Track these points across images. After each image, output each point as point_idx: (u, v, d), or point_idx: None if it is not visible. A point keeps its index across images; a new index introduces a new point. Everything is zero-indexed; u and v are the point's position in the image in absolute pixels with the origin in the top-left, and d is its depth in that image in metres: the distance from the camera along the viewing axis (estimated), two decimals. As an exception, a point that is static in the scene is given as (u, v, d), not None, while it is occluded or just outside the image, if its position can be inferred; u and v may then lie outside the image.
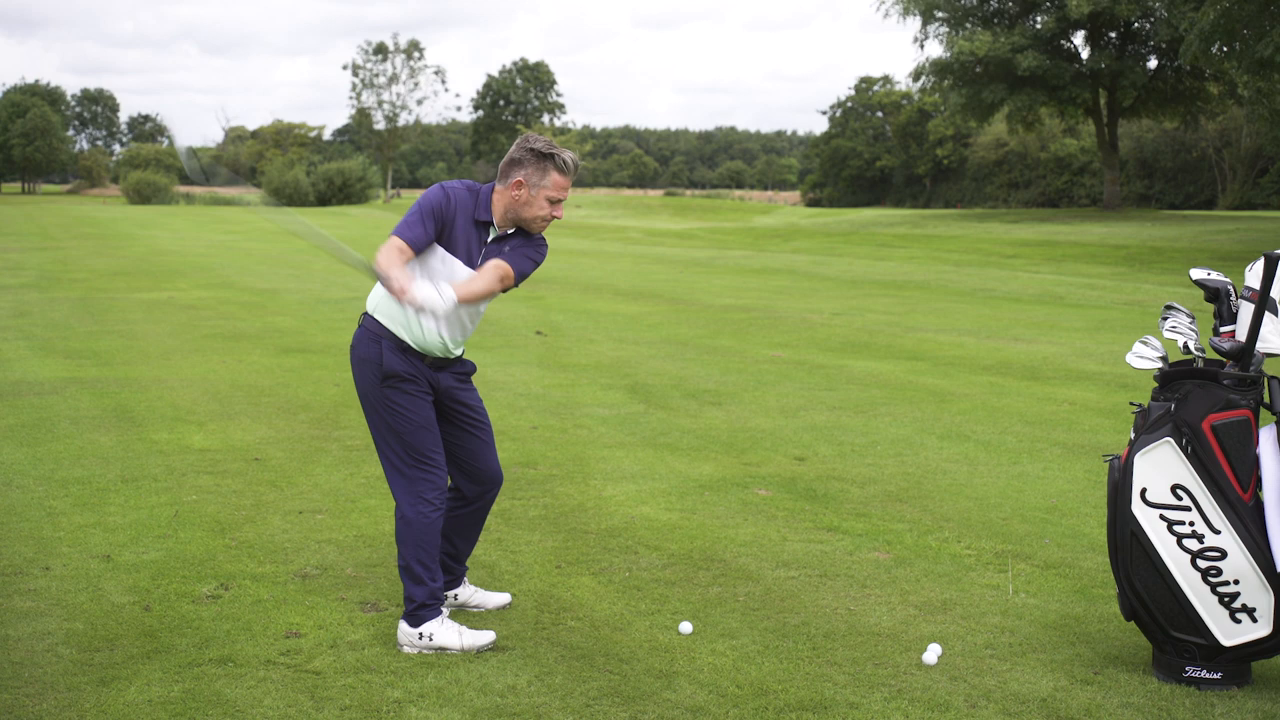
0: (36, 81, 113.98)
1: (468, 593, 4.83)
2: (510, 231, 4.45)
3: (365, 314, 4.47)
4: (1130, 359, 4.38)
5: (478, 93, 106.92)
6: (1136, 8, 40.70)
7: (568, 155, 4.36)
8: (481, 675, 4.12)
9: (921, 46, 48.05)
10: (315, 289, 19.33)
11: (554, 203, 4.39)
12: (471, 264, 4.36)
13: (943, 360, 11.98)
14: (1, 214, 50.97)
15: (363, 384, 4.41)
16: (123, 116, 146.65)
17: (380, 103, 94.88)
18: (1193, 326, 4.38)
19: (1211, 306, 4.36)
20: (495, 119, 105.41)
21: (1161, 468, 4.13)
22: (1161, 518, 4.14)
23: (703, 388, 10.10)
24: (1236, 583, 4.07)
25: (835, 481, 6.90)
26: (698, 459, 7.45)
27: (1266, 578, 4.05)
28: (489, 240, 4.41)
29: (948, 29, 45.12)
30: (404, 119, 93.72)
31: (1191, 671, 4.12)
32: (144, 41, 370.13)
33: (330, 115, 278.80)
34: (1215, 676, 4.10)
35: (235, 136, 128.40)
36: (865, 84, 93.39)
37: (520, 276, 4.41)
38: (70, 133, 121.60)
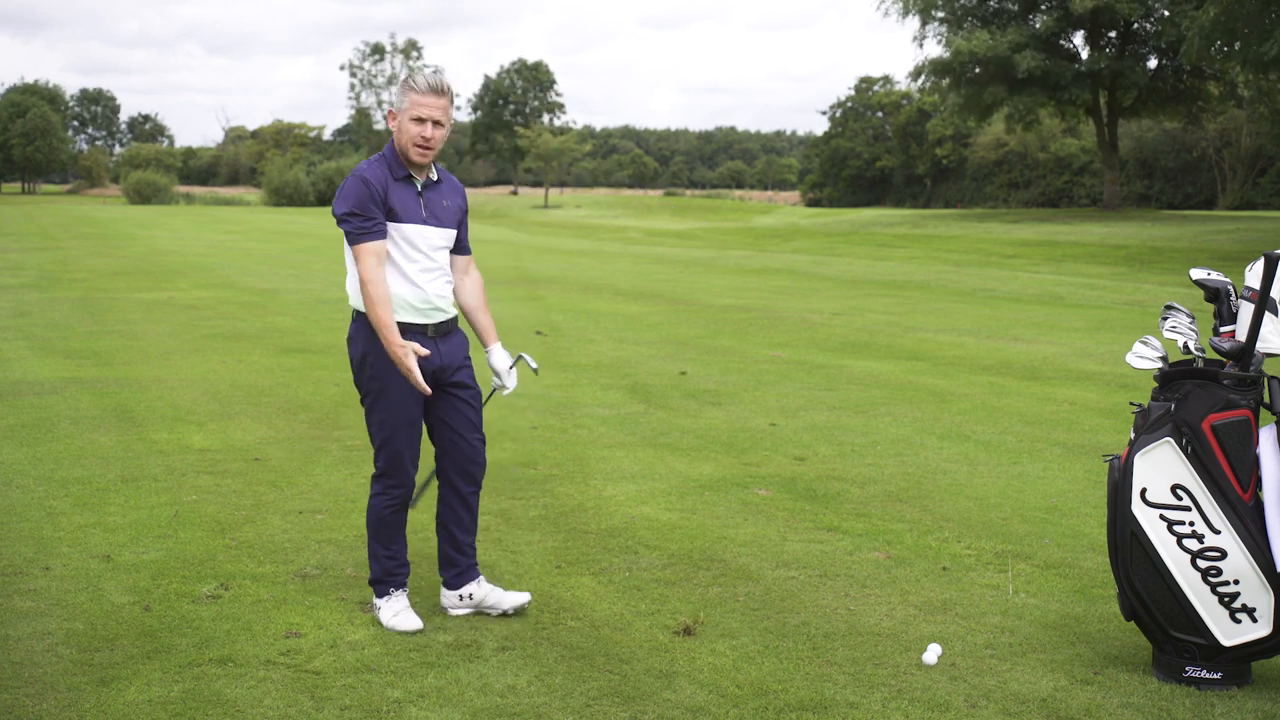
0: (36, 81, 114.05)
1: (483, 591, 4.72)
2: (436, 179, 4.53)
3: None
4: (1130, 359, 4.38)
5: (476, 94, 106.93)
6: (1139, 6, 40.68)
7: (423, 74, 4.38)
8: (481, 675, 4.12)
9: (920, 46, 48.16)
10: (315, 289, 19.32)
11: (419, 121, 4.35)
12: (422, 220, 4.43)
13: (943, 360, 11.98)
14: (1, 214, 50.98)
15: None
16: (122, 116, 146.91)
17: (380, 102, 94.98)
18: (1193, 326, 4.38)
19: (1211, 306, 4.36)
20: (495, 119, 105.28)
21: (1161, 468, 4.13)
22: (1161, 518, 4.14)
23: (703, 388, 10.10)
24: (1236, 583, 4.07)
25: (835, 481, 6.90)
26: (698, 459, 7.44)
27: (1266, 578, 4.05)
28: (419, 192, 4.47)
29: (946, 29, 45.12)
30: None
31: (1191, 671, 4.12)
32: (148, 41, 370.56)
33: (330, 115, 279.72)
34: (1215, 676, 4.10)
35: (235, 136, 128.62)
36: (865, 84, 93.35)
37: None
38: (69, 133, 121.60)
